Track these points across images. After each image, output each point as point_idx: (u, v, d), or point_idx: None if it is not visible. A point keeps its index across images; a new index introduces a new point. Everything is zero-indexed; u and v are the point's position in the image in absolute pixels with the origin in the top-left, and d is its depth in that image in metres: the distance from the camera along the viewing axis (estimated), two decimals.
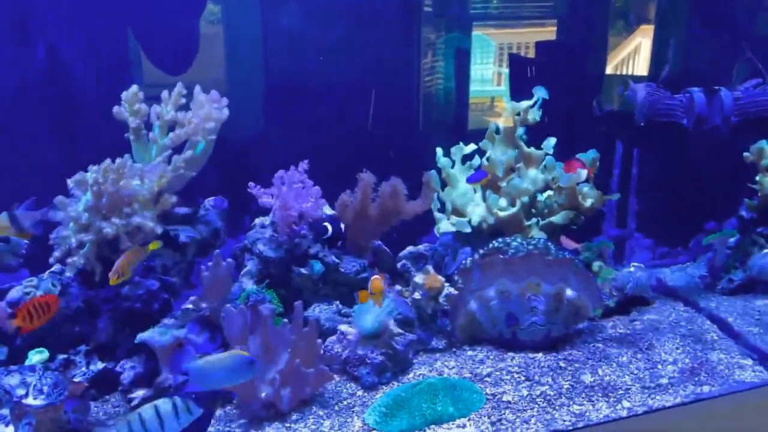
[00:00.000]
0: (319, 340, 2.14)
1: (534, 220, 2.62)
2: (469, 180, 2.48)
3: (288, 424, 1.99)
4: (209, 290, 2.14)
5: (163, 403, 1.58)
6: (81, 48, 2.75)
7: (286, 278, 2.28)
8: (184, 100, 2.28)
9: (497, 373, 2.25)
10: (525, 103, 2.70)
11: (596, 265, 2.65)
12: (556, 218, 2.57)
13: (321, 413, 2.05)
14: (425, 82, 3.28)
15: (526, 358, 2.34)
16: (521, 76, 3.21)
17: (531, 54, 3.34)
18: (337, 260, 2.27)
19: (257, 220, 2.38)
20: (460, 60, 3.32)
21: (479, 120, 3.66)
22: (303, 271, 2.22)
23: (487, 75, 3.68)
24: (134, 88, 2.24)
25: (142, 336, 2.05)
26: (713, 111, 2.54)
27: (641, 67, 3.48)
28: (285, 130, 3.10)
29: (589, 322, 2.60)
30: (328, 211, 2.35)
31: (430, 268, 2.40)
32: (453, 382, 2.13)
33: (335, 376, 2.22)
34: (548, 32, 3.41)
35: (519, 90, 3.07)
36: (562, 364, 2.29)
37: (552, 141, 2.67)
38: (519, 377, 2.22)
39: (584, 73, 3.26)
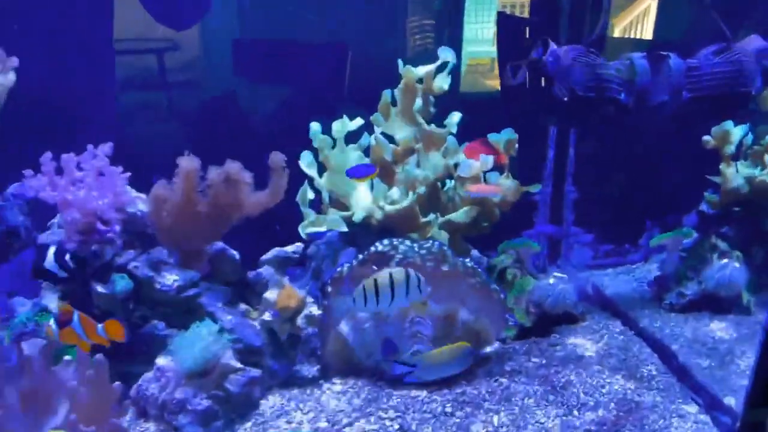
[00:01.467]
0: (117, 383, 1.61)
1: (432, 215, 2.07)
2: (349, 173, 1.91)
3: None
4: None
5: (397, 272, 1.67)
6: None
7: (88, 297, 1.74)
8: None
9: (363, 420, 1.73)
10: (426, 68, 2.13)
11: (511, 272, 2.12)
12: (457, 215, 2.02)
13: None
14: (413, 42, 2.83)
15: (407, 399, 1.82)
16: (510, 38, 2.61)
17: (525, 13, 2.80)
18: (151, 273, 1.72)
19: (56, 219, 1.82)
20: (452, 18, 2.82)
21: (475, 83, 3.27)
22: (100, 289, 1.68)
23: (487, 34, 3.26)
24: None
25: None
26: (659, 83, 1.96)
27: (648, 31, 3.06)
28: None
29: (500, 345, 2.09)
30: (142, 206, 1.78)
31: (284, 280, 1.87)
32: None
33: (147, 425, 1.71)
34: None
35: (508, 55, 2.51)
36: (449, 407, 1.77)
37: (456, 117, 2.11)
38: (391, 426, 1.70)
39: (580, 37, 2.67)
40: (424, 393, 1.84)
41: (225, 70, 2.65)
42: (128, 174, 1.76)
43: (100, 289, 1.67)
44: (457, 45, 2.84)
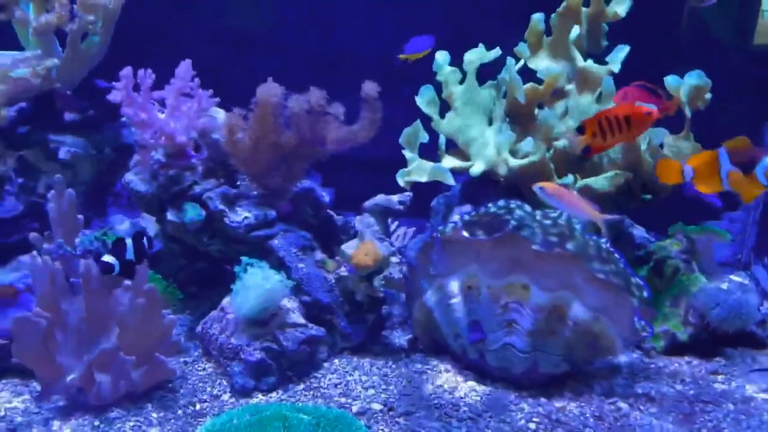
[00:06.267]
0: (171, 317, 1.53)
1: (571, 177, 1.61)
2: (407, 49, 1.55)
3: (97, 423, 1.45)
4: (56, 226, 1.63)
5: None
6: None
7: (162, 224, 1.66)
8: None
9: (424, 411, 1.43)
10: None
11: (672, 264, 1.58)
12: (596, 181, 1.54)
13: (154, 416, 1.47)
14: None
15: (490, 399, 1.47)
16: None
17: None
18: (222, 207, 1.57)
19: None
20: None
21: None
22: (170, 216, 1.58)
23: None
24: None
25: None
26: None
27: None
28: None
29: (640, 357, 1.59)
30: (219, 114, 1.61)
31: (367, 232, 1.61)
32: (322, 418, 1.38)
33: (208, 365, 1.62)
34: None
35: None
36: (534, 423, 1.39)
37: (623, 51, 1.59)
38: (456, 430, 1.38)
39: None
40: (512, 396, 1.47)
41: None
42: (216, 99, 1.62)
43: (170, 216, 1.58)
44: None
